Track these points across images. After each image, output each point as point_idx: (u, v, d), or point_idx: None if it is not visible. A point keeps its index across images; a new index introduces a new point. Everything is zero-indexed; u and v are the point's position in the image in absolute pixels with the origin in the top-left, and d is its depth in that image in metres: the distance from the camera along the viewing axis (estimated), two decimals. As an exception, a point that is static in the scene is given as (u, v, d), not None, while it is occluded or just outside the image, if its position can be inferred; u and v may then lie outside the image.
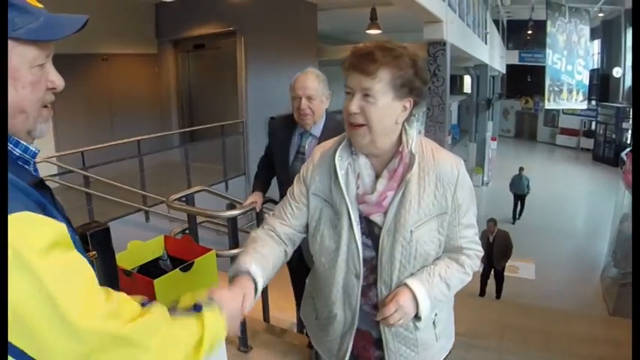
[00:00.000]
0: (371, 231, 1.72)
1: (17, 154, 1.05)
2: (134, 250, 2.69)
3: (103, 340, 0.94)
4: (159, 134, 8.48)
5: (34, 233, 0.90)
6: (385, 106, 1.55)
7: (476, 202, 1.78)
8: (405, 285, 1.67)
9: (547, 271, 11.92)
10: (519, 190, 16.34)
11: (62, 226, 0.96)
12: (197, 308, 1.18)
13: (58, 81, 1.09)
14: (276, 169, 3.13)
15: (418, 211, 1.64)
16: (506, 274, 11.76)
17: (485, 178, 20.95)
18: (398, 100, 1.56)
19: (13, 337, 0.88)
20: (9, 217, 0.87)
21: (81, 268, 0.98)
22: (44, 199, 1.01)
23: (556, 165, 25.97)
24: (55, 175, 6.55)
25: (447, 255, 1.75)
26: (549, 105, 22.56)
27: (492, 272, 10.55)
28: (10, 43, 0.97)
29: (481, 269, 10.31)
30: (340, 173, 1.69)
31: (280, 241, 1.82)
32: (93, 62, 9.55)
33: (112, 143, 7.32)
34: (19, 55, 0.99)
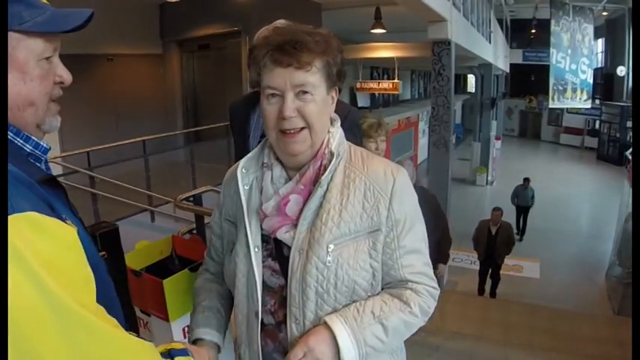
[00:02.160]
0: (280, 252, 1.37)
1: (28, 150, 1.06)
2: (142, 250, 2.69)
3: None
4: (164, 134, 8.50)
5: (38, 236, 0.86)
6: (322, 101, 1.31)
7: (423, 221, 1.41)
8: (323, 323, 1.28)
9: (552, 270, 11.89)
10: (523, 202, 14.69)
11: (72, 230, 0.94)
12: (171, 354, 1.14)
13: (65, 75, 1.11)
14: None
15: (339, 223, 1.29)
16: (510, 273, 11.74)
17: (489, 178, 20.92)
18: (328, 91, 1.34)
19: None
20: (13, 216, 0.83)
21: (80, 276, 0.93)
22: (53, 198, 1.00)
23: (560, 164, 25.90)
24: (60, 176, 6.55)
25: (387, 290, 1.36)
26: (553, 104, 22.50)
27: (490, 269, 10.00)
28: (17, 36, 0.97)
29: (479, 265, 10.19)
30: (243, 189, 1.39)
31: (222, 282, 1.54)
32: (98, 62, 9.57)
33: (118, 143, 7.34)
34: (27, 49, 0.99)
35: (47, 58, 1.05)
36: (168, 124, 10.67)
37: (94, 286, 0.95)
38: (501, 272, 11.58)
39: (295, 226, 1.32)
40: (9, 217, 0.82)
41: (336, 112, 1.42)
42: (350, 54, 12.71)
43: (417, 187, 4.89)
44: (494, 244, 9.57)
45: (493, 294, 10.01)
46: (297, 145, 1.30)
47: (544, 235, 14.50)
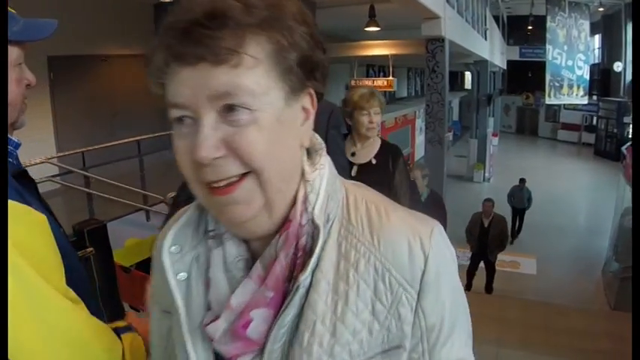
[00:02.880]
0: None
1: None
2: (132, 247, 2.73)
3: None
4: (158, 134, 8.48)
5: (11, 221, 0.91)
6: (276, 120, 0.68)
7: (468, 310, 0.83)
8: None
9: (548, 266, 11.90)
10: (519, 204, 14.15)
11: (42, 217, 1.01)
12: (117, 332, 1.15)
13: (32, 78, 1.20)
14: None
15: (332, 348, 0.72)
16: (507, 269, 11.74)
17: (486, 174, 20.95)
18: (290, 100, 0.71)
19: None
20: None
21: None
22: (24, 190, 1.07)
23: (558, 160, 25.95)
24: (55, 176, 6.56)
25: None
26: (550, 100, 22.60)
27: (482, 264, 9.63)
28: None
29: (468, 260, 9.91)
30: (175, 283, 0.79)
31: None
32: (92, 63, 9.56)
33: (112, 143, 7.35)
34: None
35: (19, 64, 1.16)
36: (163, 124, 10.63)
37: (63, 270, 1.02)
38: (498, 268, 11.63)
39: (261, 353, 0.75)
40: None
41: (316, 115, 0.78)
42: (345, 52, 12.73)
43: (433, 193, 4.87)
44: (486, 238, 9.25)
45: (489, 289, 9.78)
46: (237, 209, 0.71)
47: (541, 231, 14.52)
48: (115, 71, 9.93)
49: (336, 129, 2.01)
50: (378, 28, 9.93)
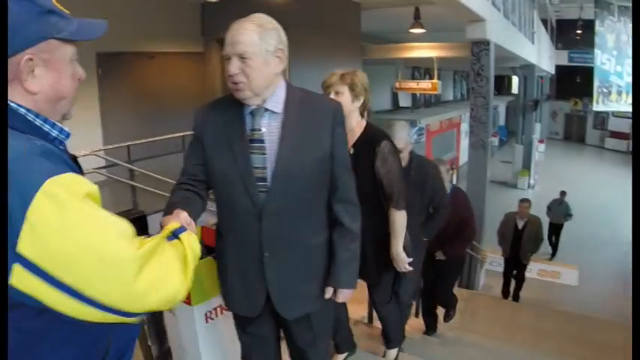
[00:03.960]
0: None
1: (54, 134, 1.26)
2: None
3: (140, 258, 1.19)
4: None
5: (82, 185, 1.14)
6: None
7: None
8: None
9: (590, 278, 11.65)
10: (556, 219, 13.07)
11: (97, 187, 1.20)
12: (174, 234, 1.44)
13: (83, 73, 1.34)
14: (214, 175, 1.99)
15: None
16: (547, 279, 11.54)
17: (531, 181, 20.57)
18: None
19: (62, 273, 1.08)
20: (61, 176, 1.09)
21: (110, 215, 1.19)
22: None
23: (605, 169, 25.29)
24: (102, 168, 6.74)
25: None
26: (598, 107, 22.00)
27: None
28: (57, 43, 1.23)
29: (489, 263, 9.75)
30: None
31: None
32: (140, 60, 9.76)
33: (157, 138, 7.49)
34: (62, 53, 1.25)
35: (74, 60, 1.29)
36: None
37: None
38: (538, 277, 11.43)
39: None
40: (57, 177, 1.09)
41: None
42: (389, 54, 12.70)
43: (457, 189, 5.06)
44: (519, 241, 8.64)
45: (516, 297, 9.35)
46: None
47: (584, 242, 14.22)
48: (162, 68, 10.12)
49: (341, 126, 2.03)
50: (422, 30, 9.90)
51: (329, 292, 2.08)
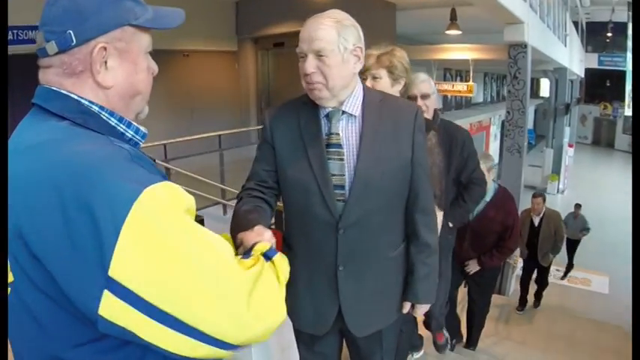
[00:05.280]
0: None
1: (130, 135, 1.13)
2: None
3: (250, 282, 1.03)
4: (238, 130, 8.62)
5: (182, 197, 1.00)
6: None
7: None
8: None
9: (621, 286, 11.40)
10: (571, 234, 11.02)
11: (193, 199, 1.05)
12: (267, 256, 1.23)
13: (155, 67, 1.20)
14: (287, 181, 1.87)
15: None
16: (579, 286, 11.32)
17: (560, 186, 20.28)
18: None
19: (164, 300, 0.91)
20: (159, 185, 0.94)
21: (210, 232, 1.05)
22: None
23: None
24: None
25: None
26: (630, 111, 21.63)
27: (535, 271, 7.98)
28: (132, 30, 1.09)
29: (520, 268, 8.38)
30: None
31: None
32: (174, 58, 9.81)
33: (194, 137, 7.52)
34: (138, 42, 1.12)
35: (148, 52, 1.17)
36: (242, 120, 10.85)
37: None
38: (569, 284, 11.22)
39: None
40: (155, 186, 0.94)
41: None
42: (424, 55, 12.58)
43: (503, 190, 4.28)
44: (536, 239, 7.53)
45: (537, 303, 8.20)
46: None
47: (614, 250, 13.94)
48: (196, 67, 10.16)
49: (422, 132, 1.91)
50: (459, 32, 9.77)
51: (407, 307, 2.00)
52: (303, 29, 1.72)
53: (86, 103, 1.05)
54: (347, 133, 1.81)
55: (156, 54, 1.14)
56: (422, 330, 3.78)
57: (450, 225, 3.19)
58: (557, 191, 20.03)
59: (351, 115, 1.80)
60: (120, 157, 0.97)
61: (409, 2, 9.98)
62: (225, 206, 7.49)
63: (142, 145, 1.19)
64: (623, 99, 21.16)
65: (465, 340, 4.91)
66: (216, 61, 10.70)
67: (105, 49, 1.04)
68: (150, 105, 1.23)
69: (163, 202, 0.93)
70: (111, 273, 0.87)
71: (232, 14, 10.69)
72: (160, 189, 0.94)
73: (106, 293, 0.88)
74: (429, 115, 2.90)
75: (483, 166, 3.54)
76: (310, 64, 1.69)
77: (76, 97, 1.04)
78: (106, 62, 1.05)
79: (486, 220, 4.07)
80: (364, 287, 1.88)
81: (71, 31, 1.01)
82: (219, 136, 7.55)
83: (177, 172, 6.98)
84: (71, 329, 0.96)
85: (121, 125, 1.10)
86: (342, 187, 1.78)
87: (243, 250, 1.31)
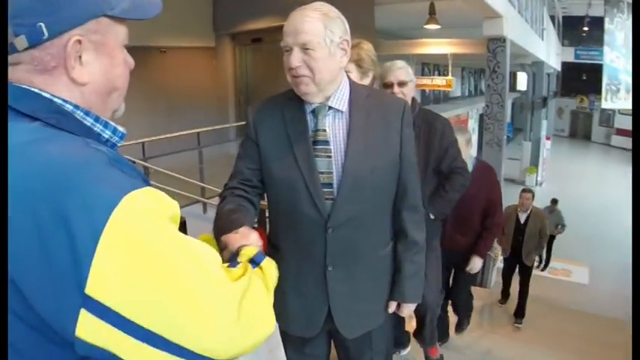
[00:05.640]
0: None
1: (106, 136, 1.02)
2: (205, 243, 2.67)
3: (238, 295, 0.92)
4: (218, 127, 8.55)
5: (167, 204, 0.89)
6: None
7: None
8: None
9: (601, 276, 11.57)
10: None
11: (177, 205, 0.95)
12: (254, 262, 1.13)
13: (132, 61, 1.09)
14: (273, 179, 1.81)
15: None
16: (559, 277, 11.42)
17: (539, 179, 20.50)
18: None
19: (148, 318, 0.81)
20: (141, 191, 0.84)
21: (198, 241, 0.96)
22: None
23: (611, 167, 25.16)
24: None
25: None
26: (606, 104, 21.92)
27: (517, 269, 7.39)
28: (108, 22, 0.98)
29: (501, 264, 7.58)
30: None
31: None
32: (151, 54, 9.70)
33: (173, 135, 7.42)
34: (115, 34, 1.01)
35: (124, 45, 1.05)
36: (220, 117, 10.77)
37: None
38: (549, 276, 11.32)
39: None
40: (136, 192, 0.83)
41: None
42: (403, 49, 12.58)
43: (481, 162, 4.09)
44: (522, 237, 7.19)
45: (520, 312, 7.19)
46: None
47: (592, 241, 14.14)
48: (173, 63, 10.06)
49: (409, 126, 1.86)
50: (438, 26, 9.79)
51: (392, 307, 1.95)
52: (287, 22, 1.65)
53: (59, 101, 0.95)
54: (334, 129, 1.75)
55: (132, 50, 1.05)
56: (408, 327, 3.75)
57: (432, 217, 3.03)
58: (536, 183, 20.23)
59: (338, 110, 1.75)
60: (97, 161, 0.87)
61: (388, -5, 9.98)
62: (205, 204, 7.41)
63: (124, 143, 1.09)
64: (599, 92, 21.39)
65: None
66: (194, 57, 10.61)
67: (79, 42, 0.94)
68: (127, 102, 1.12)
69: (145, 210, 0.84)
70: (88, 290, 0.78)
71: (209, 10, 10.61)
72: (142, 195, 0.84)
73: (83, 312, 0.79)
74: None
75: (461, 139, 3.37)
76: (296, 58, 1.62)
77: (48, 96, 0.94)
78: (80, 57, 0.95)
79: (469, 198, 3.63)
80: (354, 287, 1.83)
81: (42, 24, 0.91)
82: (198, 133, 7.46)
83: (156, 171, 6.87)
84: (51, 356, 0.87)
85: (98, 125, 1.00)
86: (330, 185, 1.72)
87: (228, 255, 1.23)
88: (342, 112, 1.75)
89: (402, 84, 2.81)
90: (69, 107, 0.95)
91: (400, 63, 2.86)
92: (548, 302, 9.50)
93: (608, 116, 30.83)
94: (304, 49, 1.61)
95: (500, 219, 4.04)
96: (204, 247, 0.93)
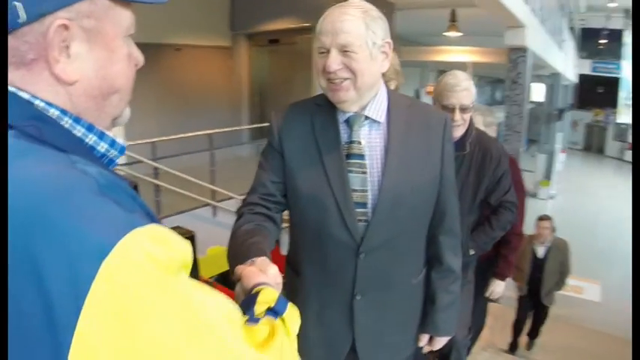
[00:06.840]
0: None
1: (103, 150, 0.80)
2: (214, 256, 2.54)
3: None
4: (230, 129, 8.42)
5: (176, 249, 0.66)
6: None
7: None
8: None
9: (613, 293, 11.34)
10: None
11: (189, 247, 0.70)
12: (275, 312, 0.93)
13: (140, 57, 0.85)
14: (298, 196, 1.62)
15: None
16: (570, 294, 11.19)
17: (552, 192, 20.25)
18: None
19: None
20: (138, 232, 0.62)
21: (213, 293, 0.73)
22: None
23: (625, 182, 24.88)
24: (124, 165, 6.52)
25: None
26: (622, 118, 21.66)
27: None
28: (106, 4, 0.74)
29: (517, 303, 6.52)
30: None
31: None
32: (166, 52, 9.59)
33: (184, 135, 7.28)
34: (115, 22, 0.77)
35: (129, 36, 0.81)
36: (234, 119, 10.65)
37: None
38: (560, 292, 11.12)
39: None
40: (135, 233, 0.61)
41: None
42: (422, 56, 12.47)
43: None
44: (541, 274, 6.08)
45: (531, 344, 6.66)
46: None
47: (605, 257, 13.91)
48: (188, 62, 9.96)
49: (451, 143, 1.68)
50: (459, 34, 9.67)
51: (424, 340, 1.79)
52: (324, 20, 1.46)
53: (41, 104, 0.72)
54: (370, 141, 1.56)
55: (146, 48, 0.83)
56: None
57: (472, 252, 2.74)
58: (549, 197, 19.99)
59: (375, 121, 1.56)
60: (83, 189, 0.64)
61: (408, 2, 9.83)
62: (215, 208, 7.27)
63: (134, 142, 0.85)
64: (615, 106, 21.17)
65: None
66: (209, 56, 10.50)
67: (66, 27, 0.70)
68: (138, 101, 0.88)
69: (147, 260, 0.61)
70: None
71: (226, 8, 10.49)
72: (143, 238, 0.62)
73: None
74: (460, 131, 2.43)
75: (480, 119, 3.01)
76: (335, 60, 1.41)
77: (26, 97, 0.72)
78: (67, 47, 0.72)
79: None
80: (383, 318, 1.66)
81: (19, 3, 0.67)
82: (210, 135, 7.32)
83: (166, 172, 6.74)
84: None
85: (90, 136, 0.77)
86: (364, 204, 1.54)
87: (241, 291, 1.05)
88: (379, 122, 1.56)
89: (464, 109, 2.38)
90: (54, 112, 0.73)
91: (465, 82, 2.39)
92: (559, 319, 9.31)
93: (622, 131, 30.53)
94: (344, 51, 1.42)
95: (519, 227, 3.45)
96: (222, 306, 0.70)
